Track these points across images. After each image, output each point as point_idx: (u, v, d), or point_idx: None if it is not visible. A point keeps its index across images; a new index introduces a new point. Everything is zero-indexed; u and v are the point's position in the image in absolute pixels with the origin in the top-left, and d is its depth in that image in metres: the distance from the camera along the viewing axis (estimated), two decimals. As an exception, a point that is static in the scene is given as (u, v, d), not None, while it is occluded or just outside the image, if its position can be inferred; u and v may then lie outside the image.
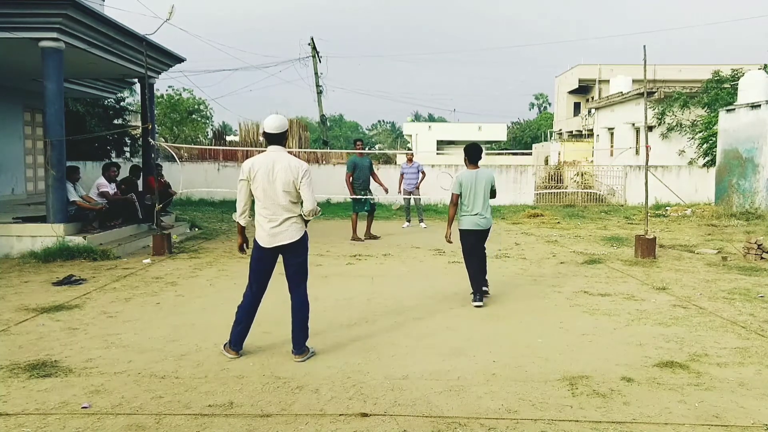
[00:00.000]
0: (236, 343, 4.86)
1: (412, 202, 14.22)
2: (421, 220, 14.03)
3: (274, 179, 4.59)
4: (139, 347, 5.02)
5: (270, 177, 4.59)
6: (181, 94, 36.26)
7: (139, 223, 11.24)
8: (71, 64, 10.81)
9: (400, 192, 14.20)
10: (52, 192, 9.52)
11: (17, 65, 11.73)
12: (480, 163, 6.75)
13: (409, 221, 14.27)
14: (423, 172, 14.02)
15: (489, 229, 6.75)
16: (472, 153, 6.71)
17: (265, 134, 4.79)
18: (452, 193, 6.66)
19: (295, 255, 4.77)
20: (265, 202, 4.64)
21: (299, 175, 4.59)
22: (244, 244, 4.96)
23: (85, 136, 17.69)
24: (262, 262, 4.78)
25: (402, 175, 13.98)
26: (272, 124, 4.76)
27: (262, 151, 4.82)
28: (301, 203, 4.70)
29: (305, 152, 23.05)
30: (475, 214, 6.57)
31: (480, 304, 6.43)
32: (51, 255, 8.90)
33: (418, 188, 13.91)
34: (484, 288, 6.61)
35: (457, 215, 6.71)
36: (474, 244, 6.67)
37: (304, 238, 4.77)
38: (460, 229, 6.64)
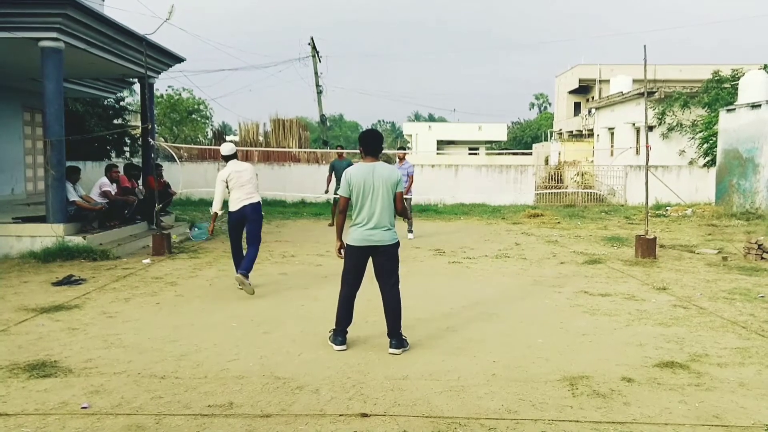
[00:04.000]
0: (239, 266, 7.00)
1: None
2: (410, 231, 12.07)
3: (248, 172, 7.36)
4: (139, 347, 5.01)
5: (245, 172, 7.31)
6: (180, 94, 36.29)
7: (140, 221, 11.24)
8: (71, 64, 10.79)
9: None
10: (51, 192, 9.50)
11: (17, 65, 11.71)
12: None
13: (411, 231, 12.11)
14: (411, 176, 12.07)
15: (391, 247, 5.00)
16: (368, 141, 5.02)
17: (223, 156, 7.46)
18: (340, 197, 5.09)
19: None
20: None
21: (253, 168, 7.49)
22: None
23: (84, 136, 17.66)
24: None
25: None
26: (226, 148, 7.51)
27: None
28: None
29: (305, 152, 23.04)
30: (369, 226, 4.91)
31: (342, 348, 4.95)
32: (50, 255, 8.89)
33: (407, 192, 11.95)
34: (402, 337, 5.00)
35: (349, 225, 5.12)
36: (359, 266, 5.03)
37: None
38: (348, 244, 5.02)
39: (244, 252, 7.26)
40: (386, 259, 5.02)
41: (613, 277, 8.14)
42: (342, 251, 5.12)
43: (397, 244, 5.08)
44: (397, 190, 4.97)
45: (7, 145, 14.59)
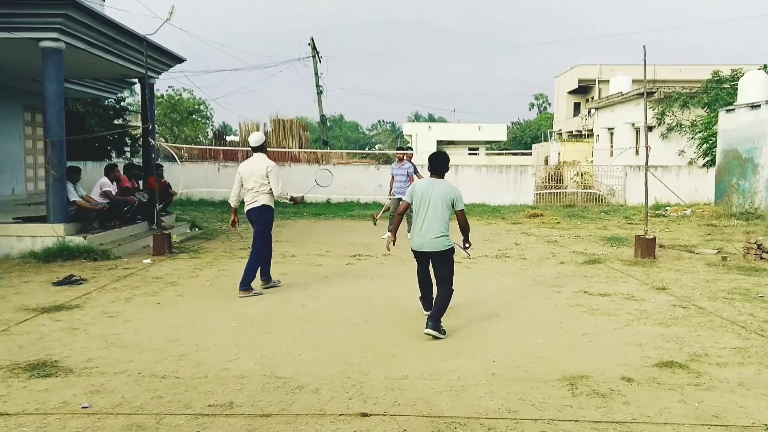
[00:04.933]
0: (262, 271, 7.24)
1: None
2: (409, 230, 12.12)
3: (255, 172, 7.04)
4: (140, 347, 5.02)
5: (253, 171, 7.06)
6: (181, 95, 36.33)
7: (141, 221, 11.25)
8: (71, 64, 10.80)
9: (391, 195, 12.16)
10: (52, 192, 9.51)
11: (17, 65, 11.72)
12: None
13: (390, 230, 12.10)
14: (411, 176, 11.84)
15: (443, 253, 5.51)
16: (434, 162, 5.71)
17: (251, 147, 7.22)
18: (404, 200, 5.82)
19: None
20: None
21: (267, 170, 7.01)
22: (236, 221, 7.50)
23: (85, 136, 17.67)
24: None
25: (392, 177, 12.04)
26: (252, 139, 7.23)
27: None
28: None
29: (305, 152, 23.05)
30: (422, 234, 5.52)
31: (427, 313, 5.64)
32: (51, 255, 8.90)
33: None
34: (439, 324, 5.41)
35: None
36: (423, 266, 5.79)
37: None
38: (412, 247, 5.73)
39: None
40: (441, 264, 5.57)
41: (613, 277, 8.14)
42: (393, 244, 5.96)
43: (451, 250, 5.57)
44: (456, 209, 5.56)
45: (8, 145, 14.60)
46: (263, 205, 7.05)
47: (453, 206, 5.55)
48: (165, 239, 9.76)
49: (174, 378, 4.32)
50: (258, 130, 23.98)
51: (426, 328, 5.35)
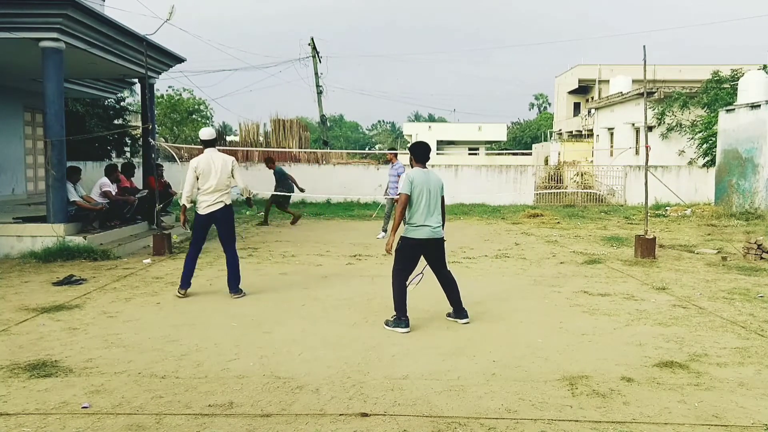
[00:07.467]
0: (188, 276, 6.81)
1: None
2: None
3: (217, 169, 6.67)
4: (140, 347, 5.02)
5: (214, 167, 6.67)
6: (181, 95, 36.41)
7: (141, 221, 11.26)
8: (71, 64, 10.81)
9: (386, 195, 12.44)
10: (52, 192, 9.52)
11: (17, 65, 11.73)
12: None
13: (385, 231, 12.14)
14: (400, 177, 11.83)
15: (442, 241, 5.73)
16: (421, 151, 5.75)
17: (201, 141, 6.84)
18: (402, 194, 5.60)
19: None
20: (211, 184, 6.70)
21: (233, 165, 6.79)
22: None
23: (85, 136, 17.69)
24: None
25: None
26: (204, 133, 6.89)
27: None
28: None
29: (305, 152, 23.05)
30: (433, 223, 5.58)
31: (408, 330, 5.48)
32: (51, 255, 8.90)
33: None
34: (463, 317, 5.80)
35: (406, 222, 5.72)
36: (417, 257, 5.70)
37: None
38: (409, 238, 5.60)
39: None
40: (440, 250, 5.75)
41: (613, 277, 8.14)
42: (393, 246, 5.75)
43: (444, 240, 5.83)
44: (441, 194, 5.72)
45: (8, 145, 14.61)
46: (229, 205, 6.82)
47: (441, 191, 5.75)
48: (165, 239, 9.76)
49: (174, 378, 4.32)
50: (258, 129, 24.00)
51: (461, 319, 5.75)
